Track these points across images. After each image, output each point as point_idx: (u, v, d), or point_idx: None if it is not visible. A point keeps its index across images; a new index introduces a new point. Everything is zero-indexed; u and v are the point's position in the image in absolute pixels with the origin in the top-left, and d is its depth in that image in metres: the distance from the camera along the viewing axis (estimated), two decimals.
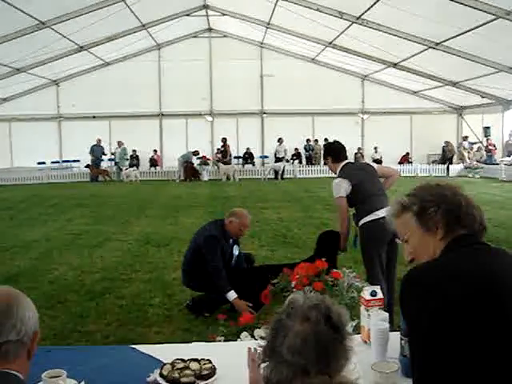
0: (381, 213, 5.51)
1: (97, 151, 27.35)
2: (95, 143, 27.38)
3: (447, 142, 28.41)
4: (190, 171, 26.81)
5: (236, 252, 6.51)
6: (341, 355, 1.71)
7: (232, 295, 6.04)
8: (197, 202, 17.32)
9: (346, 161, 5.95)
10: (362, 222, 5.68)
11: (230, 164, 27.63)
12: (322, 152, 28.67)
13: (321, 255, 5.13)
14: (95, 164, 27.29)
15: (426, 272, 2.05)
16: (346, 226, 5.87)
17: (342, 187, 5.68)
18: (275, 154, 28.17)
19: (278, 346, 1.70)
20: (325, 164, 27.89)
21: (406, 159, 29.01)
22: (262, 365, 1.80)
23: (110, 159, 28.63)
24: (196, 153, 27.04)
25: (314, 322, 1.69)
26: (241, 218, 6.33)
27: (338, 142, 6.16)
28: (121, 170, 27.45)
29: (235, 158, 29.30)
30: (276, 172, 26.88)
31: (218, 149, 28.66)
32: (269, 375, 1.72)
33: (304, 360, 1.66)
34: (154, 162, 29.05)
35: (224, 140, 28.38)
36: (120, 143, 27.56)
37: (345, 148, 6.06)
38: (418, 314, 1.94)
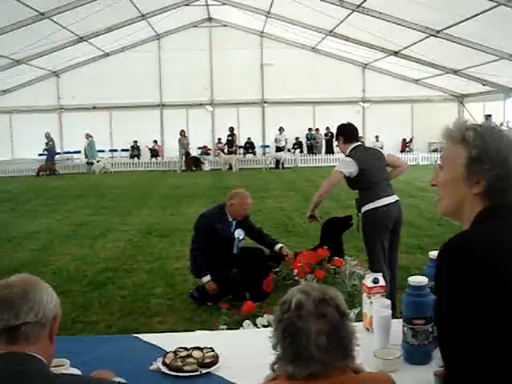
0: (384, 201, 5.53)
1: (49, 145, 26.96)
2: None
3: None
4: (190, 161, 26.78)
5: (240, 236, 6.53)
6: (353, 337, 1.79)
7: (206, 279, 6.22)
8: (198, 191, 17.33)
9: (358, 143, 5.91)
10: (364, 208, 5.66)
11: (235, 153, 27.62)
12: (324, 142, 28.95)
13: (326, 243, 5.13)
14: (48, 158, 26.80)
15: (475, 243, 1.73)
16: (322, 196, 5.90)
17: (348, 167, 5.61)
18: (275, 141, 28.12)
19: (305, 350, 1.70)
20: (326, 153, 28.08)
21: (404, 146, 29.06)
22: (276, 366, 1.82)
23: (75, 151, 28.69)
24: (182, 132, 26.86)
25: (329, 317, 1.73)
26: (240, 197, 6.44)
27: (350, 123, 6.14)
28: (90, 163, 26.77)
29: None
30: (277, 161, 26.89)
31: (223, 138, 28.67)
32: (295, 371, 1.74)
33: (333, 354, 1.72)
34: (154, 153, 29.02)
35: (231, 129, 28.37)
36: (87, 136, 27.08)
37: (357, 130, 6.02)
38: (470, 293, 1.65)
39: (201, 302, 6.27)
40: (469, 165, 1.82)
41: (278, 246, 6.62)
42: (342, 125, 6.06)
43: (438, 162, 1.95)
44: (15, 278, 1.95)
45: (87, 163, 27.07)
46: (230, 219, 6.45)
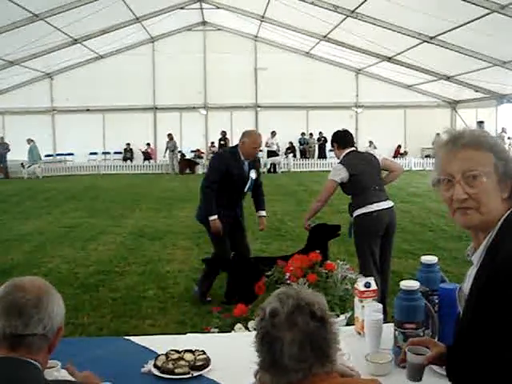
0: (375, 207, 5.56)
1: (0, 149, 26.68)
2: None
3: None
4: (184, 164, 26.81)
5: (253, 176, 6.59)
6: (333, 341, 1.74)
7: (213, 218, 6.35)
8: (190, 194, 17.30)
9: (352, 148, 5.95)
10: (355, 213, 5.71)
11: None
12: (316, 146, 29.03)
13: (312, 248, 5.14)
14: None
15: None
16: (319, 206, 5.96)
17: (339, 173, 5.69)
18: (266, 145, 28.14)
19: (279, 359, 1.69)
20: (319, 158, 28.15)
21: (398, 152, 29.08)
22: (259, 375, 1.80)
23: (68, 154, 28.66)
24: (169, 136, 27.12)
25: (302, 325, 1.69)
26: (251, 136, 6.47)
27: (345, 129, 6.21)
28: (23, 166, 26.30)
29: None
30: (274, 165, 26.99)
31: (216, 142, 28.71)
32: (273, 381, 1.72)
33: (308, 363, 1.69)
34: (147, 156, 28.99)
35: (224, 133, 28.40)
36: (29, 141, 26.52)
37: (351, 135, 6.10)
38: None
39: (203, 298, 6.40)
40: (504, 170, 1.84)
41: (260, 213, 6.96)
42: (337, 131, 6.14)
43: (468, 173, 1.84)
44: (28, 282, 1.92)
45: (22, 165, 26.42)
46: (243, 158, 6.46)
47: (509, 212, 1.84)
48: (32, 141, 26.62)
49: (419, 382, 2.10)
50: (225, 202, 6.40)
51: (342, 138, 5.99)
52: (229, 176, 6.35)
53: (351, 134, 6.10)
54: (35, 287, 1.89)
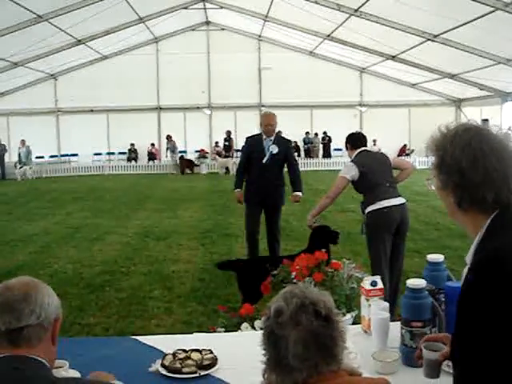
0: (385, 203, 5.60)
1: None
2: None
3: None
4: (184, 164, 26.85)
5: (273, 150, 7.38)
6: (339, 340, 1.73)
7: (236, 190, 7.67)
8: (195, 195, 17.33)
9: (363, 148, 6.04)
10: (367, 210, 5.78)
11: (232, 157, 27.65)
12: (321, 145, 29.01)
13: (314, 248, 5.14)
14: None
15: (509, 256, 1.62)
16: (327, 203, 6.04)
17: (349, 170, 5.79)
18: None
19: (284, 358, 1.68)
20: (323, 157, 28.14)
21: (403, 151, 29.00)
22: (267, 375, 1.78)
23: (73, 154, 28.70)
24: (168, 137, 27.61)
25: (306, 324, 1.68)
26: (263, 117, 7.65)
27: (359, 131, 6.56)
28: (15, 167, 26.17)
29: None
30: None
31: (221, 142, 28.73)
32: (278, 380, 1.72)
33: (313, 362, 1.68)
34: (152, 156, 29.01)
35: (229, 133, 28.39)
36: (23, 142, 26.30)
37: (364, 136, 6.21)
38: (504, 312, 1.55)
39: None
40: (437, 173, 1.86)
41: (294, 193, 7.86)
42: (352, 133, 6.30)
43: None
44: (16, 281, 1.97)
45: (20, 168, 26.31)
46: (265, 137, 7.46)
47: (496, 212, 1.77)
48: (25, 142, 26.48)
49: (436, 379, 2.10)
50: (256, 180, 7.42)
51: (355, 139, 6.13)
52: (252, 154, 7.48)
53: (365, 136, 6.20)
54: (22, 284, 1.95)
